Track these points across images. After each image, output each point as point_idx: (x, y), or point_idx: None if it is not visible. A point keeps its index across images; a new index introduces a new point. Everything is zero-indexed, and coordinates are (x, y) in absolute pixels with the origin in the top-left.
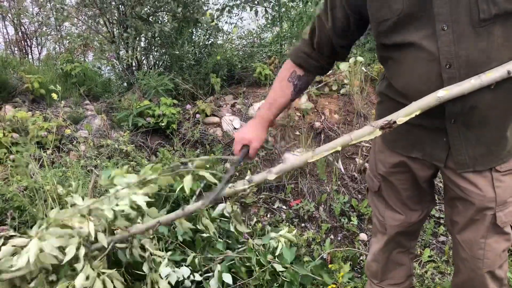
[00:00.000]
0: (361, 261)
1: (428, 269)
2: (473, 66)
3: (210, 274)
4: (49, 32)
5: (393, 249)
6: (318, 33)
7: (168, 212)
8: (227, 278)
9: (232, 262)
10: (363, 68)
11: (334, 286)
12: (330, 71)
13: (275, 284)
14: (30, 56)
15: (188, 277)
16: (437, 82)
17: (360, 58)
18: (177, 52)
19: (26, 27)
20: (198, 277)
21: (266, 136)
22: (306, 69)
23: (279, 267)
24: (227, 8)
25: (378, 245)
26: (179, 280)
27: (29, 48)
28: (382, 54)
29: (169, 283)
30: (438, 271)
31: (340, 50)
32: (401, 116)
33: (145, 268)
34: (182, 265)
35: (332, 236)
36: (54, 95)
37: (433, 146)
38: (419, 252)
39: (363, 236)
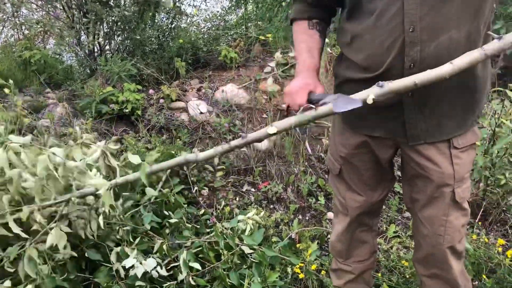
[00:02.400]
0: (328, 239)
1: (393, 245)
2: (434, 30)
3: (177, 263)
4: (5, 19)
5: (356, 229)
6: None
7: None
8: (194, 265)
9: (200, 248)
10: (327, 49)
11: (301, 265)
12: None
13: (244, 266)
14: None
15: (155, 267)
16: (399, 47)
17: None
18: (139, 37)
19: None
20: (163, 272)
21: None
22: (315, 18)
23: (247, 249)
24: None
25: (341, 225)
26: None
27: None
28: (347, 28)
29: (135, 276)
30: (403, 246)
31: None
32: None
33: (113, 257)
34: (149, 256)
35: (300, 216)
36: (6, 90)
37: (394, 123)
38: (384, 228)
39: (330, 214)
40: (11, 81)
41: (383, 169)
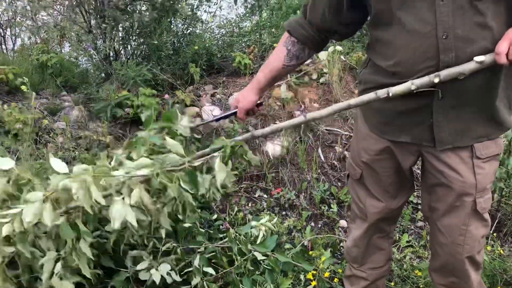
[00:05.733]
0: (341, 247)
1: (406, 254)
2: (469, 37)
3: (191, 268)
4: (23, 23)
5: (373, 235)
6: (311, 2)
7: None
8: (208, 270)
9: (213, 253)
10: (342, 57)
11: (314, 272)
12: (314, 56)
13: (256, 272)
14: (3, 47)
15: (169, 273)
16: (433, 53)
17: (339, 47)
18: (156, 42)
19: None
20: (177, 277)
21: (257, 98)
22: (296, 38)
23: (260, 256)
24: None
25: (358, 231)
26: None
27: (2, 38)
28: (375, 36)
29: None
30: (416, 255)
31: (332, 26)
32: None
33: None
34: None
35: (312, 224)
36: (24, 87)
37: (420, 129)
38: (397, 237)
39: (343, 222)
40: (25, 78)
41: (404, 177)
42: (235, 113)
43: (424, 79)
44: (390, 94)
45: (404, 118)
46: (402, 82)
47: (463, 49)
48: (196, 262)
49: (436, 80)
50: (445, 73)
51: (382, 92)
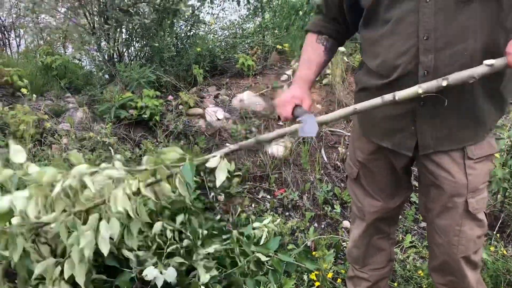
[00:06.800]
0: (344, 248)
1: (409, 254)
2: (449, 39)
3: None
4: (27, 24)
5: (373, 235)
6: (325, 3)
7: None
8: (213, 272)
9: (217, 254)
10: (344, 58)
11: (317, 272)
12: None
13: (260, 273)
14: (8, 49)
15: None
16: (413, 54)
17: (341, 48)
18: (157, 44)
19: (3, 19)
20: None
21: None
22: (326, 34)
23: (263, 257)
24: None
25: (358, 231)
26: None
27: (7, 40)
28: (365, 36)
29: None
30: (419, 256)
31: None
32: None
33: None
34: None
35: (315, 224)
36: (24, 90)
37: (401, 136)
38: (400, 238)
39: (346, 223)
40: (26, 81)
41: (399, 176)
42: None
43: (432, 83)
44: (397, 98)
45: (387, 123)
46: (388, 83)
47: (443, 51)
48: (201, 265)
49: (444, 84)
50: (454, 76)
51: (388, 97)
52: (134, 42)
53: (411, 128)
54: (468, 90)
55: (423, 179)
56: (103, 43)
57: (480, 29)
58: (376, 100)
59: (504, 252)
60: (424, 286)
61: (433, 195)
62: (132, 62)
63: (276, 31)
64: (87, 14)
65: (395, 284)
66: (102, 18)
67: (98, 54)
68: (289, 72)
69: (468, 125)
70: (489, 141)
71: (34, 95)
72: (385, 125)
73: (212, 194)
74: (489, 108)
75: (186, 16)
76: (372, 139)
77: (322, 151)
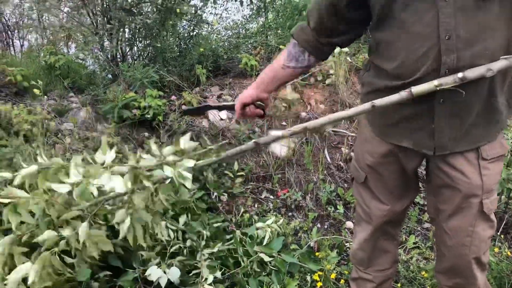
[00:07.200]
0: (347, 248)
1: (413, 255)
2: (470, 39)
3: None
4: (30, 24)
5: (379, 238)
6: (311, 7)
7: None
8: (217, 274)
9: (220, 254)
10: (348, 58)
11: (321, 273)
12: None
13: (263, 273)
14: (11, 49)
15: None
16: (435, 55)
17: (344, 49)
18: (159, 45)
19: (7, 19)
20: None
21: (256, 94)
22: (296, 39)
23: (266, 258)
24: None
25: (364, 234)
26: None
27: (10, 40)
28: (378, 38)
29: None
30: (422, 257)
31: (332, 27)
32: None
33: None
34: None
35: (319, 225)
36: (36, 91)
37: (421, 134)
38: (404, 239)
39: (349, 224)
40: (40, 82)
41: (409, 179)
42: (233, 106)
43: (448, 78)
44: (413, 92)
45: (405, 123)
46: (406, 84)
47: (464, 50)
48: (204, 266)
49: (460, 76)
50: (470, 71)
51: (405, 93)
52: (137, 42)
53: (431, 127)
54: (487, 87)
55: (434, 180)
56: (106, 43)
57: (499, 28)
58: (394, 96)
59: (509, 253)
60: (428, 287)
61: (446, 196)
62: (135, 62)
63: (279, 31)
64: (90, 14)
65: (399, 285)
66: (105, 18)
67: (101, 53)
68: None
69: (483, 124)
70: (501, 141)
71: (42, 97)
72: (404, 125)
73: (215, 194)
74: (504, 106)
75: (189, 16)
76: (390, 140)
77: (325, 152)
